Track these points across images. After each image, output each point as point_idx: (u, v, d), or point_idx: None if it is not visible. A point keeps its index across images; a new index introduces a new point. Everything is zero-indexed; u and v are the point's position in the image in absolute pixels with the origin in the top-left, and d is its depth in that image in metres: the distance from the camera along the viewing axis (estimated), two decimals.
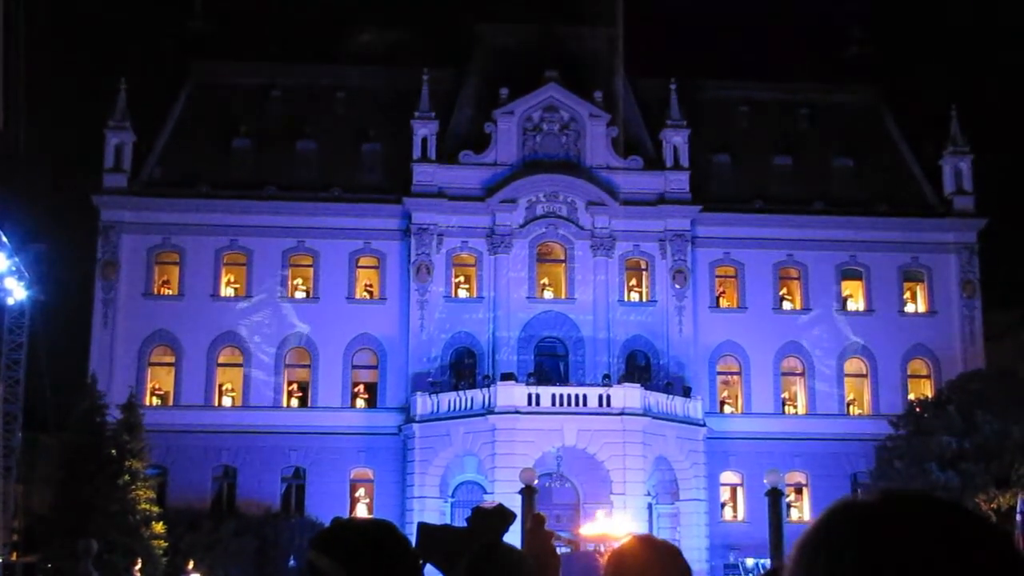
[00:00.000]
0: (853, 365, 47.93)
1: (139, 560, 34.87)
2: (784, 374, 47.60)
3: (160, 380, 46.13)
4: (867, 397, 47.70)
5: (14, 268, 38.27)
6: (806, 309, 47.89)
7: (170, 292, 46.53)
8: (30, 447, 42.06)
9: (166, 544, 37.28)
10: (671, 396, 43.48)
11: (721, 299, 48.19)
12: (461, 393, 43.23)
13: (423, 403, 43.37)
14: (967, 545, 1.42)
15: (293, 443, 44.78)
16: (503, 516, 5.82)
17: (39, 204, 42.42)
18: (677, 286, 46.75)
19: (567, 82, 47.65)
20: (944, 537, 1.43)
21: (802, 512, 45.98)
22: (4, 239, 36.93)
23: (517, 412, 41.37)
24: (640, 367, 46.26)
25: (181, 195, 46.29)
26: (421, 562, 3.01)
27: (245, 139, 48.19)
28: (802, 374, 47.61)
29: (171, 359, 45.97)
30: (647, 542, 3.67)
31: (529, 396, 41.91)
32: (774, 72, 53.16)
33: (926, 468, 37.33)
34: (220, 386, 46.12)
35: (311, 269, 46.96)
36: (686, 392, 44.30)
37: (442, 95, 47.96)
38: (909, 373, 47.97)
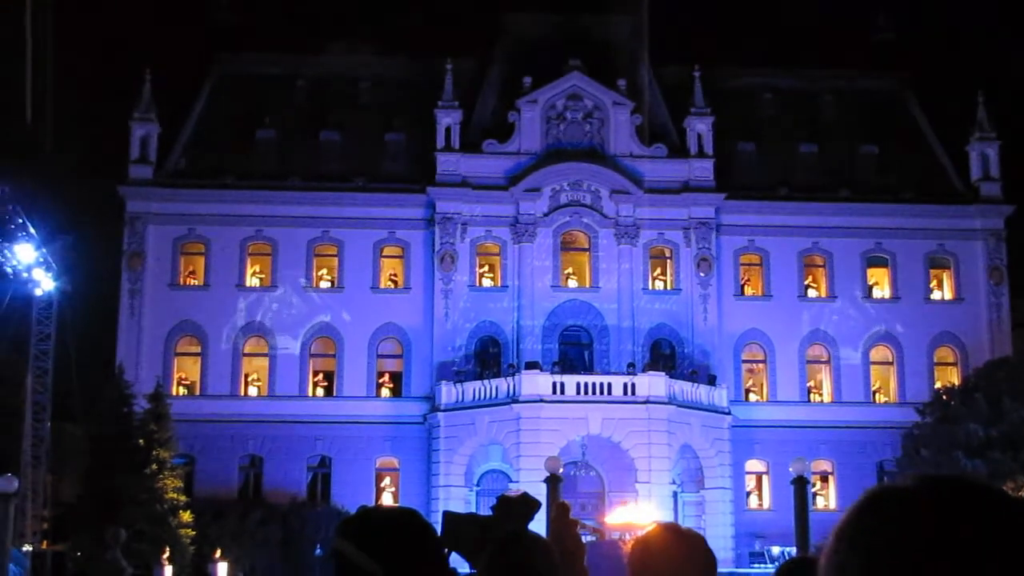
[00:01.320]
0: (879, 353, 47.72)
1: (167, 549, 35.11)
2: (809, 362, 47.45)
3: (186, 370, 46.35)
4: (893, 385, 47.49)
5: (42, 259, 38.53)
6: (831, 297, 47.70)
7: (196, 282, 46.73)
8: (59, 437, 42.37)
9: (193, 533, 37.49)
10: (696, 384, 43.40)
11: (746, 287, 48.04)
12: (486, 382, 43.27)
13: (448, 392, 43.43)
14: (1006, 528, 1.42)
15: (319, 432, 44.93)
16: (528, 505, 5.83)
17: (66, 196, 42.68)
18: (702, 274, 46.63)
19: (591, 70, 47.53)
20: (982, 520, 1.42)
21: (828, 500, 45.86)
22: (32, 231, 37.17)
23: (542, 401, 41.38)
24: (665, 355, 46.19)
25: (206, 186, 46.46)
26: (446, 550, 3.03)
27: (269, 130, 48.30)
28: (827, 362, 47.43)
29: (197, 349, 46.18)
30: (671, 530, 3.67)
31: (554, 385, 41.90)
32: (799, 59, 52.92)
33: (953, 456, 37.14)
34: (246, 376, 46.31)
35: (336, 259, 47.06)
36: (711, 380, 44.21)
37: (466, 84, 47.95)
38: (935, 360, 47.72)
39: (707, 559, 3.56)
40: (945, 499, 1.45)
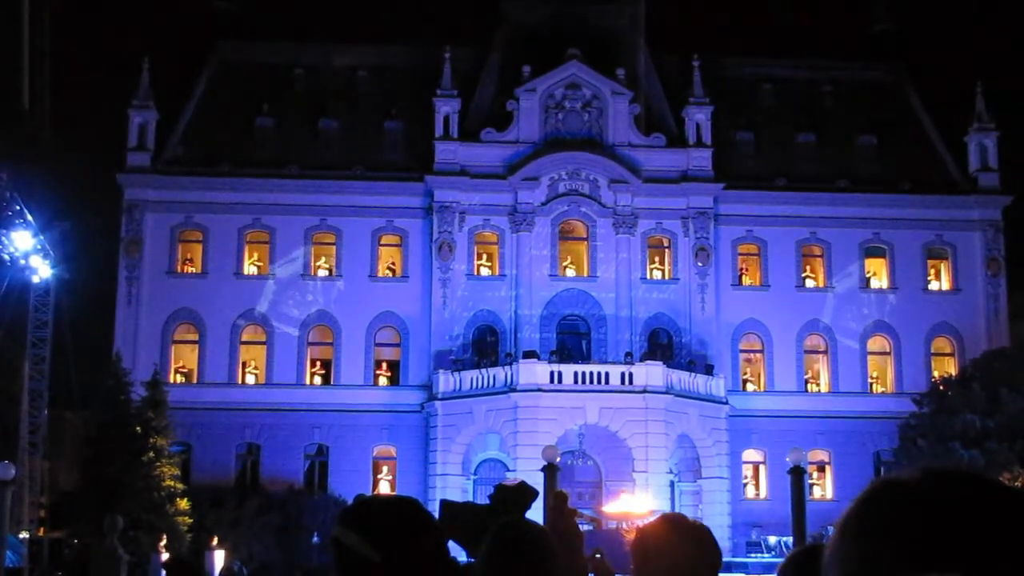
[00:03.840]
0: (876, 343, 47.76)
1: (164, 536, 35.14)
2: (807, 352, 47.47)
3: (184, 358, 46.35)
4: (890, 375, 47.54)
5: (39, 247, 38.48)
6: (829, 287, 47.71)
7: (193, 270, 46.72)
8: (56, 424, 42.39)
9: (190, 521, 37.53)
10: (693, 374, 43.43)
11: (744, 277, 48.06)
12: (483, 371, 43.28)
13: (445, 381, 43.45)
14: (1010, 522, 1.42)
15: (316, 420, 44.96)
16: (525, 494, 5.84)
17: (64, 183, 42.63)
18: (699, 264, 46.62)
19: (590, 59, 47.47)
20: (987, 514, 1.42)
21: (824, 490, 45.93)
22: (30, 218, 37.13)
23: (539, 390, 41.40)
24: (662, 345, 46.20)
25: (204, 174, 46.40)
26: (444, 538, 3.03)
27: (268, 118, 48.25)
28: (825, 352, 47.47)
29: (195, 337, 46.18)
30: (674, 522, 3.63)
31: (551, 374, 41.93)
32: (798, 49, 52.88)
33: (950, 447, 37.20)
34: (243, 364, 46.31)
35: (334, 247, 47.04)
36: (708, 370, 44.24)
37: (464, 73, 47.86)
38: (933, 351, 47.77)
39: (711, 551, 3.53)
40: (949, 491, 1.45)
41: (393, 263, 47.35)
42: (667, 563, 3.45)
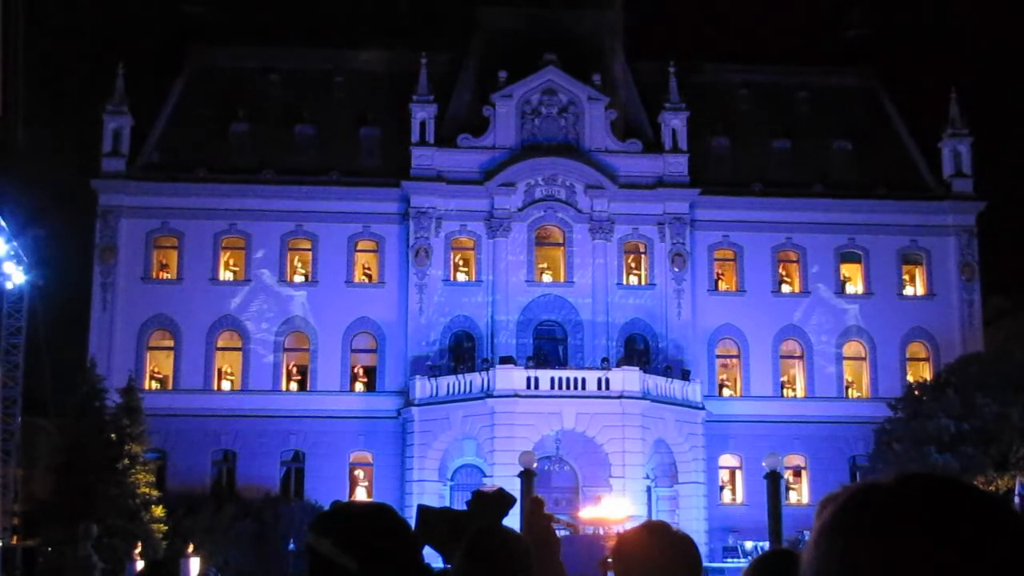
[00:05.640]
0: (852, 348, 47.95)
1: (139, 544, 34.95)
2: (783, 357, 47.62)
3: (159, 364, 46.15)
4: (866, 380, 47.73)
5: (13, 252, 38.21)
6: (805, 292, 47.88)
7: (169, 276, 46.52)
8: (30, 431, 42.08)
9: (166, 528, 37.34)
10: (670, 379, 43.51)
11: (720, 282, 48.18)
12: (460, 377, 43.24)
13: (422, 387, 43.40)
14: (985, 527, 1.42)
15: (292, 427, 44.82)
16: (503, 500, 5.82)
17: (38, 189, 42.34)
18: (676, 269, 46.73)
19: (566, 65, 47.54)
20: (962, 519, 1.42)
21: (801, 495, 46.05)
22: (3, 223, 36.87)
23: (516, 395, 41.40)
24: (639, 350, 46.29)
25: (179, 179, 46.23)
26: (420, 545, 3.01)
27: (244, 123, 48.09)
28: (801, 357, 47.63)
29: (170, 343, 45.98)
30: (654, 530, 3.60)
31: (528, 379, 41.93)
32: (773, 55, 53.05)
33: (925, 451, 37.36)
34: (219, 370, 46.15)
35: (310, 253, 46.93)
36: (685, 375, 44.33)
37: (441, 79, 47.86)
38: (908, 356, 47.99)
39: (690, 562, 3.50)
40: (924, 496, 1.45)
41: (369, 269, 47.27)
42: (649, 570, 3.43)
